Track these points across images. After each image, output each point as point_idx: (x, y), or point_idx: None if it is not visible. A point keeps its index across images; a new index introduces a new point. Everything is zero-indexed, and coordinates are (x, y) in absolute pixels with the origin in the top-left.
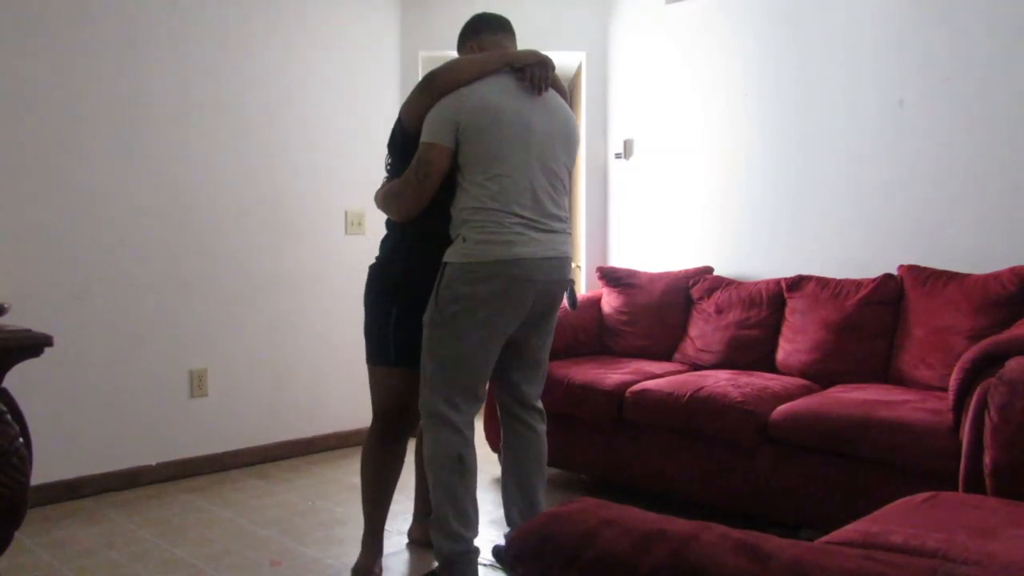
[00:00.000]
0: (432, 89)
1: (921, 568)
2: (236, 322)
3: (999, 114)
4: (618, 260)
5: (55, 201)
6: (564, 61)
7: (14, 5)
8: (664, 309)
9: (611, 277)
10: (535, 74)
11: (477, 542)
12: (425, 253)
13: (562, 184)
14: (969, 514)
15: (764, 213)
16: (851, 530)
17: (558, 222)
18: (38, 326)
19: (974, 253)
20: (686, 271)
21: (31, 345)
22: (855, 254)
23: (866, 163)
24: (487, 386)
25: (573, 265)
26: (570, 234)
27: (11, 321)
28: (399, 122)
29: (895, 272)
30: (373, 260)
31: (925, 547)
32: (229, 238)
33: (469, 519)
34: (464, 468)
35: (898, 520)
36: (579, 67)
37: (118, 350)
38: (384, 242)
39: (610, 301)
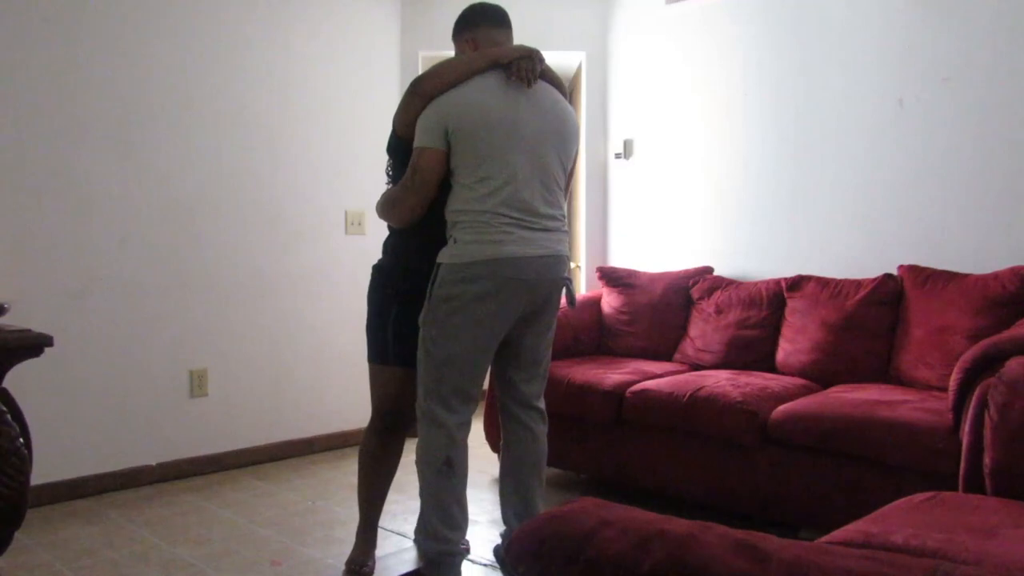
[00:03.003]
0: (419, 94)
1: (921, 568)
2: (236, 322)
3: (999, 114)
4: (618, 260)
5: (55, 201)
6: (564, 61)
7: (14, 5)
8: (664, 309)
9: (611, 277)
10: (522, 67)
11: (477, 542)
12: (427, 254)
13: (556, 183)
14: (969, 514)
15: (764, 213)
16: (851, 530)
17: (552, 221)
18: (38, 326)
19: (974, 253)
20: (686, 271)
21: (31, 345)
22: (855, 254)
23: (866, 163)
24: (483, 386)
25: (573, 265)
26: (567, 232)
27: (11, 321)
28: (393, 130)
29: (895, 272)
30: (376, 260)
31: (925, 547)
32: (229, 238)
33: (454, 521)
34: (451, 471)
35: (898, 520)
36: (579, 67)
37: (118, 350)
38: (387, 242)
39: (610, 301)
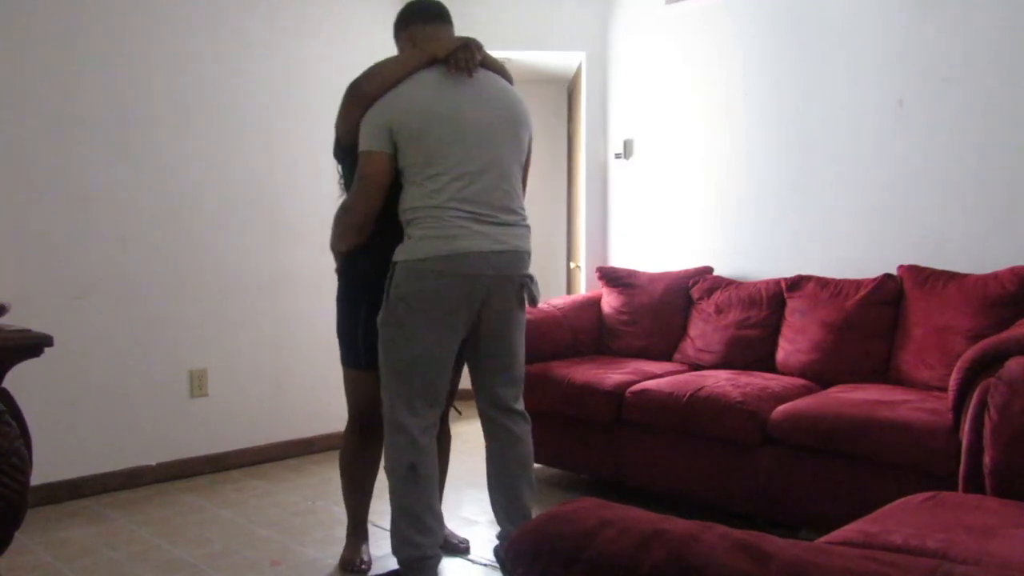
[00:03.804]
0: (358, 98)
1: (921, 568)
2: (236, 322)
3: (999, 114)
4: (618, 260)
5: (55, 201)
6: (564, 61)
7: (12, 5)
8: (664, 309)
9: (611, 277)
10: (459, 58)
11: (477, 542)
12: (388, 253)
13: (511, 174)
14: (969, 514)
15: (764, 213)
16: (851, 530)
17: (510, 214)
18: (38, 326)
19: (974, 253)
20: (686, 271)
21: (31, 345)
22: (855, 254)
23: (866, 163)
24: (447, 387)
25: (572, 265)
26: (528, 226)
27: (11, 321)
28: (337, 137)
29: (895, 272)
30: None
31: (925, 547)
32: (229, 238)
33: (424, 526)
34: (417, 477)
35: (898, 520)
36: (579, 67)
37: (118, 350)
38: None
39: (610, 301)
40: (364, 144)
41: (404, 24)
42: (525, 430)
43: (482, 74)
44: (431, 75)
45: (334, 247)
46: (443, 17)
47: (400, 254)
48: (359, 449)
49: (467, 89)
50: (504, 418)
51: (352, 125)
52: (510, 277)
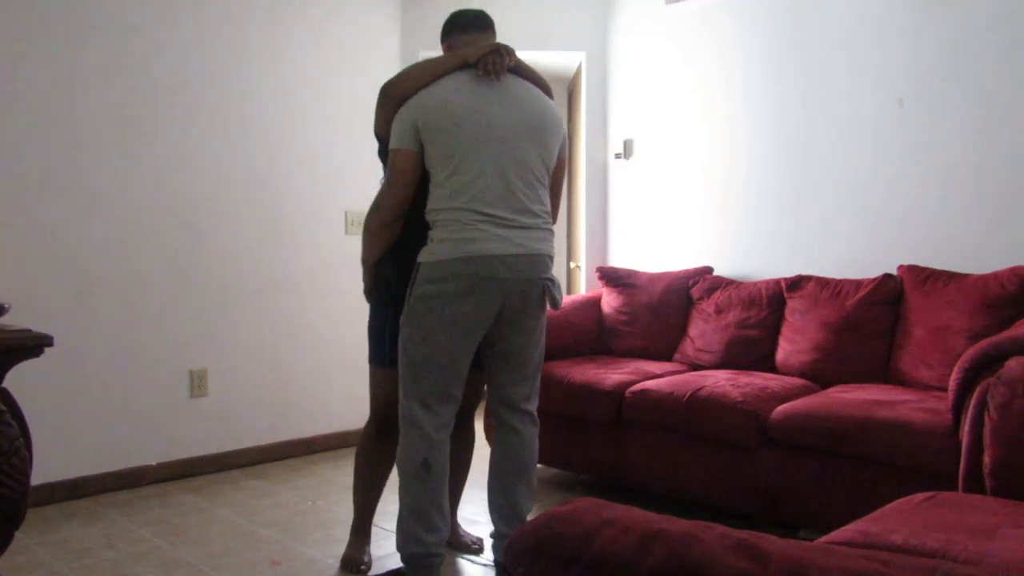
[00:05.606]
0: (389, 98)
1: (921, 568)
2: (236, 322)
3: (999, 114)
4: (618, 260)
5: (55, 201)
6: (564, 61)
7: (14, 6)
8: (664, 309)
9: (611, 277)
10: (488, 61)
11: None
12: (411, 256)
13: (537, 179)
14: (969, 514)
15: (764, 213)
16: (851, 530)
17: (531, 217)
18: (38, 326)
19: (974, 253)
20: (686, 271)
21: (31, 345)
22: (855, 254)
23: (866, 163)
24: (463, 386)
25: (572, 265)
26: (550, 230)
27: (11, 321)
28: (377, 137)
29: (895, 272)
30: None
31: (925, 547)
32: (229, 238)
33: (432, 524)
34: (428, 474)
35: (898, 520)
36: (579, 67)
37: (118, 350)
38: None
39: (610, 301)
40: (393, 142)
41: (447, 33)
42: (532, 432)
43: (512, 79)
44: (460, 77)
45: (366, 258)
46: (478, 25)
47: (423, 255)
48: (375, 446)
49: (494, 92)
50: (512, 417)
51: (384, 124)
52: (530, 280)
